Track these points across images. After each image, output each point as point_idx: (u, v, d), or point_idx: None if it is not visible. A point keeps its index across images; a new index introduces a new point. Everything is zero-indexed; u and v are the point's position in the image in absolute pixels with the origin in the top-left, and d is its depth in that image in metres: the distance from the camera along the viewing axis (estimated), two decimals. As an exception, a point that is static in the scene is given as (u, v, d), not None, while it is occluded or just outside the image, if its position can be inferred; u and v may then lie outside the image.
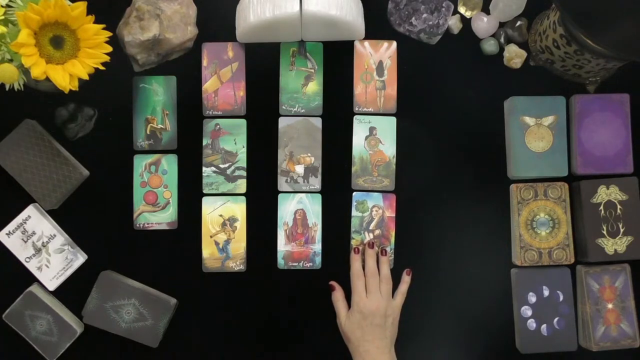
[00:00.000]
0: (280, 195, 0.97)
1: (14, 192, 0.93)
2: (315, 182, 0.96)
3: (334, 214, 0.97)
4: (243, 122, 0.97)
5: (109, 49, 0.83)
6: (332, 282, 0.94)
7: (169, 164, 0.96)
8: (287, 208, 0.96)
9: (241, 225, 0.96)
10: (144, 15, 0.91)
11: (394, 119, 0.97)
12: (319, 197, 0.96)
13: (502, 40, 0.97)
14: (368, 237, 0.96)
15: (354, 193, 0.97)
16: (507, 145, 0.97)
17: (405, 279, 0.94)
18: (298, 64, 0.97)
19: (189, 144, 0.96)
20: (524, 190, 0.95)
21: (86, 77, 0.82)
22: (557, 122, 0.95)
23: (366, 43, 0.97)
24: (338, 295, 0.93)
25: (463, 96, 0.98)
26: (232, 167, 0.96)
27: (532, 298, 0.95)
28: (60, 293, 0.95)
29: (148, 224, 0.96)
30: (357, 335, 0.88)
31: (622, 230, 0.94)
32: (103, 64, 0.83)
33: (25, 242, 0.94)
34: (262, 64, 0.97)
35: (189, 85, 0.97)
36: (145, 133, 0.96)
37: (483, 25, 0.97)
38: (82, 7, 0.80)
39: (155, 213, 0.96)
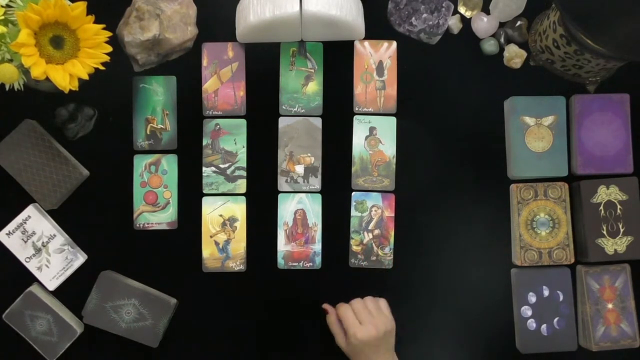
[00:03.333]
0: (280, 195, 0.97)
1: (14, 192, 0.93)
2: (315, 182, 0.96)
3: (334, 214, 0.97)
4: (243, 122, 0.97)
5: (109, 49, 0.83)
6: (325, 306, 0.93)
7: (169, 164, 0.96)
8: (287, 208, 0.96)
9: (241, 225, 0.96)
10: (144, 15, 0.91)
11: (394, 119, 0.97)
12: (319, 197, 0.96)
13: (502, 40, 0.97)
14: (367, 237, 0.96)
15: (353, 193, 0.96)
16: (507, 145, 0.97)
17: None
18: (298, 64, 0.97)
19: (189, 144, 0.96)
20: (524, 190, 0.95)
21: (86, 77, 0.82)
22: (557, 122, 0.95)
23: (366, 43, 0.97)
24: (333, 319, 0.92)
25: (463, 96, 0.98)
26: (232, 167, 0.96)
27: (532, 298, 0.95)
28: (60, 293, 0.95)
29: (148, 224, 0.96)
30: (363, 357, 0.88)
31: (622, 230, 0.94)
32: (103, 64, 0.83)
33: (25, 242, 0.94)
34: (262, 64, 0.97)
35: (189, 85, 0.97)
36: (145, 133, 0.96)
37: (483, 25, 0.97)
38: (82, 7, 0.80)
39: (155, 213, 0.96)
